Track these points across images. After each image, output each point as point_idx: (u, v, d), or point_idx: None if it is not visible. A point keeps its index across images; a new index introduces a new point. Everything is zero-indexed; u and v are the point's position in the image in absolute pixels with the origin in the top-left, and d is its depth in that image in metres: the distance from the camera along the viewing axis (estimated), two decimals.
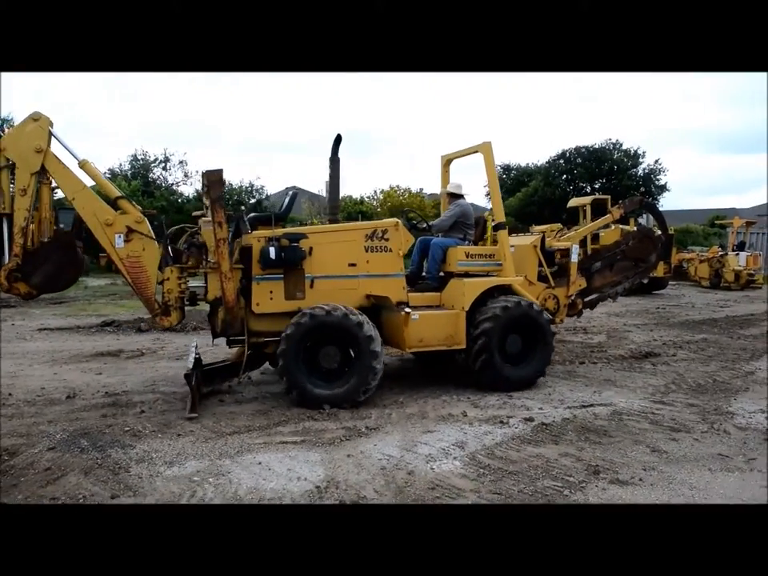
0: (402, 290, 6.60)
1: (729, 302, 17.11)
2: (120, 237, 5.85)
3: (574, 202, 19.90)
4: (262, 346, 6.35)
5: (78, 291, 17.00)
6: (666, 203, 42.66)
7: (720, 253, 22.12)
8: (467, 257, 7.02)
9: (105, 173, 32.18)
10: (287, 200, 7.02)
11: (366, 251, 6.50)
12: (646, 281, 13.80)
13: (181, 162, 32.81)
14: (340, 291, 6.37)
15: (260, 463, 4.55)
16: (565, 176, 38.91)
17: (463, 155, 7.76)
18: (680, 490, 4.14)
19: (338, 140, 7.01)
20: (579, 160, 38.11)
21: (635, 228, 10.44)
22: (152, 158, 32.21)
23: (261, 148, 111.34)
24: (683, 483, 4.24)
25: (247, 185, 31.62)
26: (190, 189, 35.36)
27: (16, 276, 5.64)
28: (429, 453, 4.78)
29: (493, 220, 7.57)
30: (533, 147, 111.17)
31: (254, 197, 31.45)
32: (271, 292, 6.21)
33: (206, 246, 6.12)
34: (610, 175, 37.52)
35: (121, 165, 32.03)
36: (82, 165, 5.89)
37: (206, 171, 5.97)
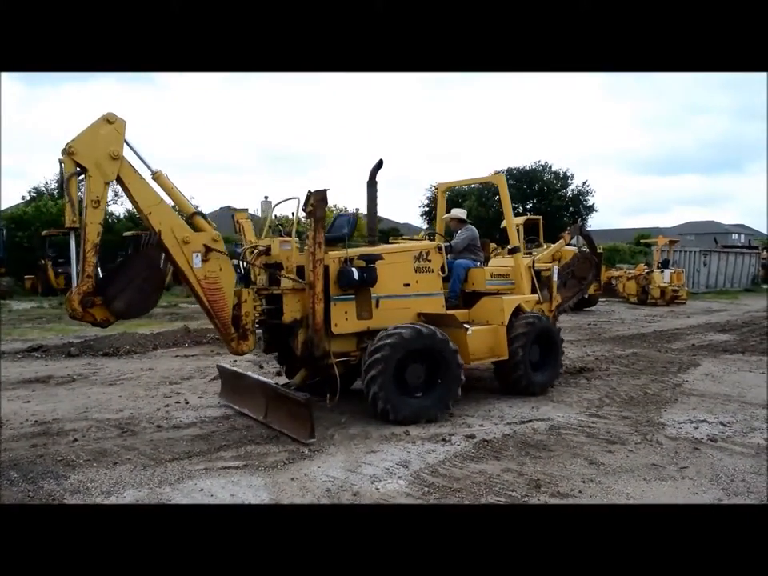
0: (442, 308, 6.95)
1: (656, 317, 17.80)
2: (197, 256, 5.38)
3: None
4: (330, 368, 6.18)
5: (2, 315, 16.27)
6: (593, 223, 44.31)
7: (646, 270, 23.04)
8: (492, 276, 7.66)
9: (30, 191, 31.21)
10: (349, 222, 7.02)
11: (416, 272, 6.80)
12: (586, 296, 14.91)
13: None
14: (398, 310, 6.57)
15: (202, 490, 4.44)
16: (497, 196, 39.88)
17: (467, 184, 8.24)
18: (618, 500, 4.27)
19: (380, 165, 7.16)
20: (511, 181, 39.16)
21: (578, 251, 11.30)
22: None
23: (191, 168, 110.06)
24: (621, 494, 4.37)
25: None
26: (120, 208, 34.53)
27: (91, 301, 5.00)
28: (373, 473, 4.77)
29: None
30: (466, 168, 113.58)
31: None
32: (346, 312, 6.23)
33: (282, 266, 6.09)
34: (541, 196, 38.70)
35: (47, 183, 31.01)
36: (156, 176, 5.44)
37: (314, 191, 5.81)
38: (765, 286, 33.16)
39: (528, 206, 38.41)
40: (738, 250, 36.10)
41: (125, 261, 5.18)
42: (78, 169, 4.94)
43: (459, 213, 8.36)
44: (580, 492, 4.39)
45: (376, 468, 4.88)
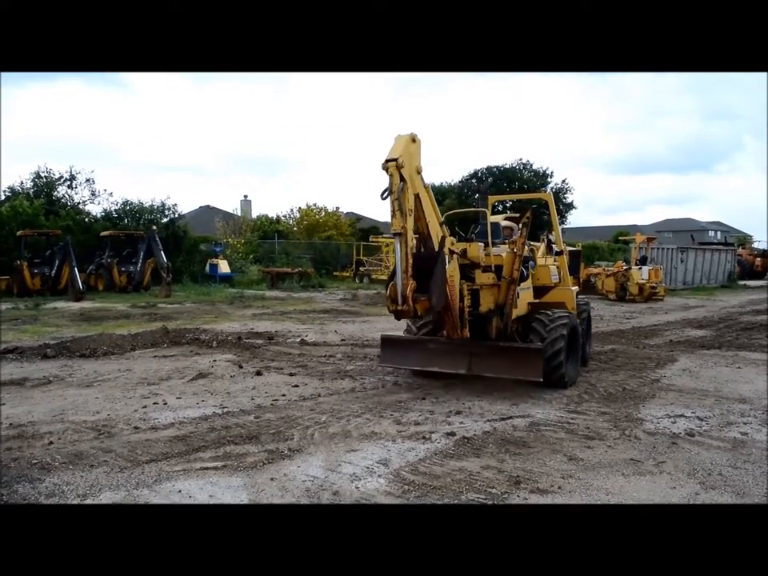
0: (532, 298, 8.36)
1: (634, 313, 17.96)
2: (447, 257, 6.32)
3: None
4: None
5: None
6: (572, 220, 44.63)
7: (624, 267, 23.27)
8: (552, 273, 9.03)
9: (4, 191, 30.74)
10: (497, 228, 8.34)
11: None
12: None
13: (87, 181, 31.67)
14: (522, 300, 7.88)
15: (180, 491, 4.39)
16: (477, 194, 39.99)
17: (515, 199, 10.43)
18: (597, 495, 4.29)
19: (489, 184, 8.18)
20: (491, 179, 39.26)
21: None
22: (56, 176, 30.93)
23: (168, 169, 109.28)
24: (599, 489, 4.40)
25: (159, 204, 30.80)
26: (97, 208, 34.13)
27: (418, 297, 5.82)
28: (353, 472, 4.76)
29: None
30: (447, 167, 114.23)
31: (166, 216, 30.67)
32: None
33: (479, 265, 7.22)
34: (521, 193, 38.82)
35: (23, 183, 30.48)
36: (427, 189, 6.27)
37: (531, 208, 7.61)
38: (741, 283, 33.62)
39: (508, 205, 38.57)
40: (714, 247, 36.55)
41: (425, 261, 6.02)
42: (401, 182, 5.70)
43: (509, 222, 9.69)
44: (559, 488, 4.41)
45: (356, 467, 4.87)
